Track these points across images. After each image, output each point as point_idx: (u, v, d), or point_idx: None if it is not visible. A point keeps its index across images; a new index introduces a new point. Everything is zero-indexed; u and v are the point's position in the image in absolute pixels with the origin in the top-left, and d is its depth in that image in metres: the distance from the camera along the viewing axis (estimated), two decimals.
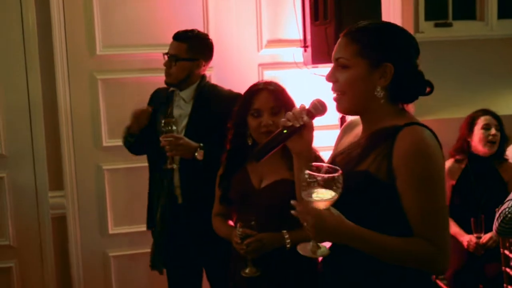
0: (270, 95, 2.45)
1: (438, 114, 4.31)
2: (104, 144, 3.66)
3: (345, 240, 1.59)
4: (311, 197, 1.56)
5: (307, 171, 1.55)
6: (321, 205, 1.56)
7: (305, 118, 1.74)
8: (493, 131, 3.70)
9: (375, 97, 1.68)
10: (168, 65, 3.01)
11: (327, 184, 1.54)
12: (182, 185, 3.02)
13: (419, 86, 1.73)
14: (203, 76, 3.09)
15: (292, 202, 1.63)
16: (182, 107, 3.05)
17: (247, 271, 2.38)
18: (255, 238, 2.34)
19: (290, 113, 1.76)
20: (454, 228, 3.66)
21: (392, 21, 3.81)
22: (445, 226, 1.64)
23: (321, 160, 2.31)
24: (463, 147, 3.80)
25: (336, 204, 1.57)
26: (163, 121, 2.88)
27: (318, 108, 1.77)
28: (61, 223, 3.66)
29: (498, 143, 3.72)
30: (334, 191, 1.54)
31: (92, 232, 3.70)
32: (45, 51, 3.53)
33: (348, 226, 1.58)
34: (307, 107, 1.77)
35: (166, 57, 3.02)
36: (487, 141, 3.69)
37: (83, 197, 3.66)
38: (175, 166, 2.95)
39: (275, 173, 2.43)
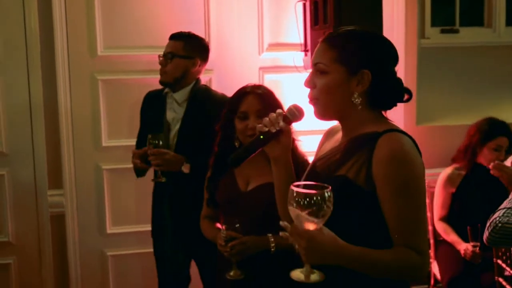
0: (257, 99, 2.46)
1: (443, 121, 4.28)
2: (104, 144, 3.70)
3: (338, 261, 1.55)
4: (302, 218, 1.49)
5: (295, 190, 1.48)
6: (313, 226, 1.50)
7: (281, 123, 1.74)
8: (502, 155, 3.63)
9: (352, 103, 1.68)
10: (163, 63, 3.02)
11: (317, 203, 1.47)
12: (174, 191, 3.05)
13: (397, 93, 1.73)
14: (198, 79, 3.10)
15: (281, 223, 1.57)
16: (175, 110, 3.06)
17: (231, 273, 2.39)
18: (240, 241, 2.35)
19: (266, 118, 1.76)
20: (452, 236, 3.63)
21: (395, 26, 3.90)
22: (425, 233, 1.65)
23: (306, 163, 2.31)
24: (468, 155, 3.73)
25: None
26: (149, 136, 2.91)
27: (294, 113, 1.77)
28: (59, 221, 3.70)
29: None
30: (325, 209, 1.48)
31: (91, 231, 3.74)
32: (46, 52, 3.58)
33: (341, 245, 1.54)
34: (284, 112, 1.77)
35: (161, 58, 3.04)
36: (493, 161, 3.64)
37: (82, 196, 3.71)
38: (163, 179, 2.97)
39: (261, 176, 2.44)
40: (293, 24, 3.77)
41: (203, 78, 3.58)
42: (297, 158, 2.35)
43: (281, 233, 1.58)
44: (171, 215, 3.09)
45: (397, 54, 1.75)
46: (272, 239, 2.39)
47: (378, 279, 1.62)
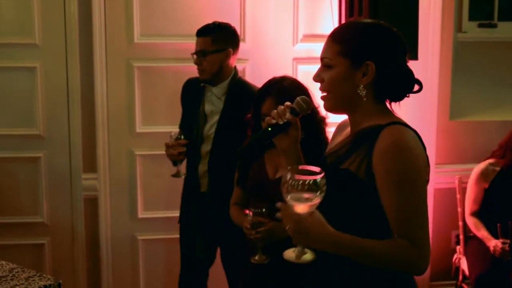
0: (275, 102, 2.44)
1: (477, 116, 4.23)
2: (138, 130, 3.76)
3: (326, 246, 1.58)
4: (293, 200, 1.55)
5: (289, 174, 1.53)
6: (303, 209, 1.54)
7: (288, 115, 1.78)
8: None
9: (358, 95, 1.69)
10: (198, 62, 3.05)
11: (310, 187, 1.52)
12: (210, 174, 3.10)
13: (406, 84, 1.72)
14: (235, 71, 3.13)
15: (278, 204, 1.63)
16: (214, 103, 3.10)
17: (256, 257, 2.43)
18: (267, 227, 2.38)
19: (275, 111, 1.80)
20: (482, 232, 3.61)
21: (431, 19, 3.87)
22: (424, 226, 1.62)
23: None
24: (506, 152, 3.69)
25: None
26: (172, 133, 3.03)
27: (301, 106, 1.80)
28: (93, 204, 3.78)
29: None
30: (317, 194, 1.52)
31: (122, 215, 3.82)
32: (85, 38, 3.64)
33: (329, 232, 1.58)
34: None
35: (194, 56, 3.07)
36: None
37: (115, 181, 3.78)
38: (183, 175, 3.11)
39: None
40: (328, 15, 3.76)
41: (238, 67, 3.61)
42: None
43: (277, 214, 1.63)
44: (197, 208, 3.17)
45: (403, 45, 1.73)
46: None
47: (378, 272, 1.62)
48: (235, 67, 3.14)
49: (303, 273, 2.35)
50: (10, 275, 2.14)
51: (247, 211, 2.55)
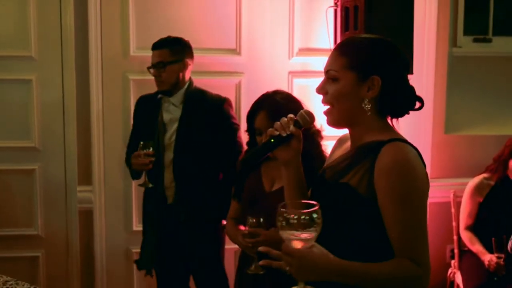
0: (267, 116, 2.47)
1: (472, 130, 4.24)
2: None
3: (331, 277, 1.54)
4: (290, 237, 1.49)
5: (284, 210, 1.48)
6: (301, 245, 1.50)
7: (291, 127, 1.75)
8: None
9: (362, 110, 1.69)
10: (157, 73, 3.13)
11: (306, 221, 1.47)
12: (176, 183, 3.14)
13: (408, 101, 1.73)
14: (191, 81, 3.20)
15: (261, 248, 1.61)
16: (171, 112, 3.16)
17: (252, 268, 2.43)
18: (263, 238, 2.38)
19: (278, 122, 1.77)
20: (477, 246, 3.61)
21: (426, 34, 3.89)
22: (425, 244, 1.61)
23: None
24: (499, 166, 3.71)
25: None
26: (141, 143, 3.00)
27: (305, 119, 1.78)
28: (87, 217, 3.78)
29: None
30: (314, 227, 1.47)
31: (117, 227, 3.82)
32: (81, 51, 3.66)
33: (333, 262, 1.54)
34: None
35: (151, 70, 3.14)
36: None
37: (110, 193, 3.78)
38: (150, 185, 3.11)
39: None
40: (323, 29, 3.78)
41: (233, 81, 3.66)
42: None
43: (261, 262, 1.60)
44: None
45: (408, 61, 1.75)
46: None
47: None
48: (190, 78, 3.21)
49: None
50: (4, 287, 2.14)
51: (242, 227, 2.55)
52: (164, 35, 3.67)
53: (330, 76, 1.72)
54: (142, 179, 3.15)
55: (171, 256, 3.23)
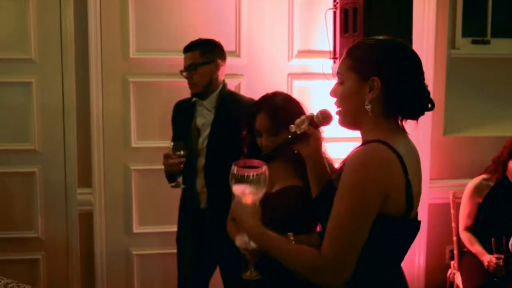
0: (267, 117, 2.47)
1: (471, 132, 4.25)
2: (133, 145, 3.77)
3: (258, 240, 1.80)
4: (237, 192, 1.78)
5: (235, 168, 1.76)
6: (247, 200, 1.76)
7: (304, 126, 1.88)
8: None
9: (365, 110, 1.69)
10: (189, 76, 3.08)
11: (253, 180, 1.73)
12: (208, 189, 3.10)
13: (417, 103, 1.71)
14: (224, 84, 3.15)
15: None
16: (205, 116, 3.11)
17: (247, 273, 2.40)
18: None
19: (297, 120, 1.91)
20: (476, 247, 3.62)
21: (425, 36, 3.91)
22: (343, 241, 1.59)
23: (332, 167, 2.34)
24: (499, 166, 3.72)
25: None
26: (172, 143, 2.99)
27: (319, 119, 1.88)
28: (88, 219, 3.78)
29: None
30: (260, 187, 1.72)
31: (117, 229, 3.82)
32: (80, 53, 3.66)
33: (259, 228, 1.78)
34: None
35: (184, 73, 3.10)
36: None
37: (110, 195, 3.78)
38: (183, 186, 3.13)
39: (287, 179, 2.48)
40: (322, 31, 3.79)
41: (233, 83, 3.66)
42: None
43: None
44: (193, 223, 3.17)
45: (415, 63, 1.71)
46: (292, 238, 2.41)
47: None
48: (223, 80, 3.17)
49: None
50: None
51: None
52: (164, 38, 3.71)
53: (338, 79, 1.76)
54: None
55: (203, 260, 3.21)
